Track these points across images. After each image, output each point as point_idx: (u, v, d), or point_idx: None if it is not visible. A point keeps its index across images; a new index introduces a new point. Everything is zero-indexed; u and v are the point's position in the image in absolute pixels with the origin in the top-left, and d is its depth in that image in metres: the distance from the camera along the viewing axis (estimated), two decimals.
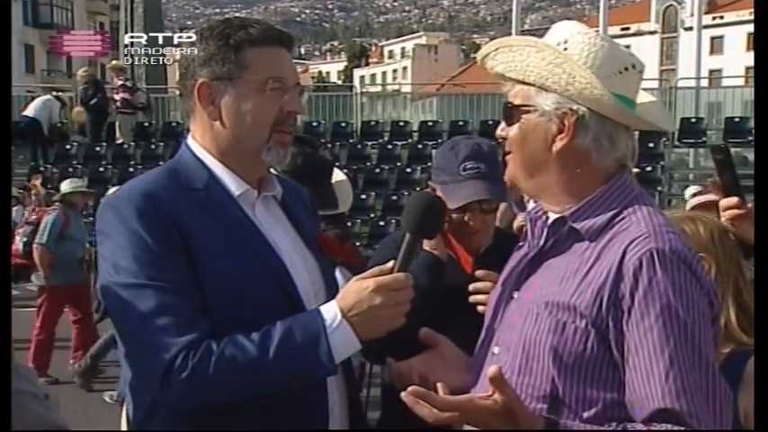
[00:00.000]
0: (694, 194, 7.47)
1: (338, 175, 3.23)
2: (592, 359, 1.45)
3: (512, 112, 1.60)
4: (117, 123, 15.93)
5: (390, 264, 1.65)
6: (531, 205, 2.54)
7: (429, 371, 1.66)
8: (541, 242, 1.62)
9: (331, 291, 1.79)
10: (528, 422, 1.38)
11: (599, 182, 1.56)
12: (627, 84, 1.57)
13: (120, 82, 15.71)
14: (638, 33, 60.64)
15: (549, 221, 1.62)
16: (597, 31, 1.63)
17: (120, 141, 15.87)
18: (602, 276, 1.45)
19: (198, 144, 1.81)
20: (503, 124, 1.64)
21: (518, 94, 1.60)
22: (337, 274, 1.71)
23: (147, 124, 16.59)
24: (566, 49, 1.55)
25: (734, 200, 2.07)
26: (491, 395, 1.38)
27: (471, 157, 2.28)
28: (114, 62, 16.46)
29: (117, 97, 15.63)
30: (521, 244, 1.73)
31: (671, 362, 1.38)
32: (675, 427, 1.37)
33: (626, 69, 1.57)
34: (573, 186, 1.57)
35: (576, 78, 1.51)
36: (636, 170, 8.28)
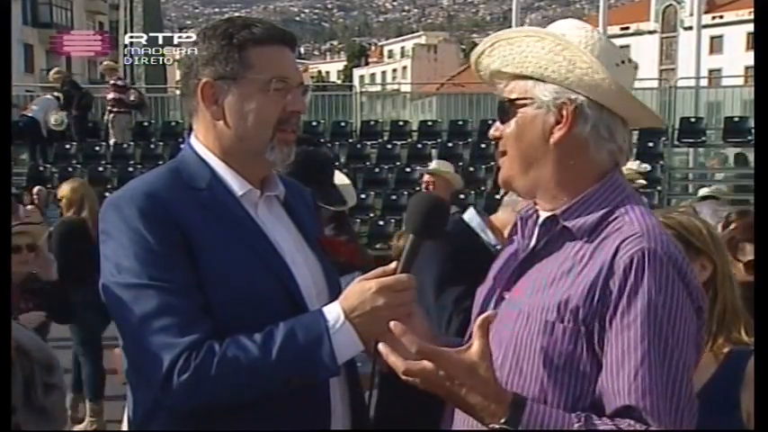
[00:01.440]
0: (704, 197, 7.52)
1: (340, 178, 3.23)
2: (581, 359, 1.46)
3: (507, 108, 1.60)
4: (110, 123, 15.88)
5: (393, 264, 1.64)
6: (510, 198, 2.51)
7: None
8: (533, 242, 1.62)
9: (333, 291, 1.79)
10: (496, 392, 1.41)
11: (592, 178, 1.56)
12: (624, 76, 1.58)
13: (112, 81, 15.66)
14: (638, 33, 60.63)
15: (540, 220, 1.62)
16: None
17: (114, 141, 15.82)
18: (594, 274, 1.46)
19: (201, 144, 1.81)
20: (497, 123, 1.64)
21: (514, 88, 1.60)
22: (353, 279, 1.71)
23: (146, 124, 16.59)
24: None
25: None
26: (468, 347, 1.41)
27: None
28: (106, 62, 16.37)
29: (109, 97, 15.55)
30: (509, 242, 1.73)
31: (641, 360, 1.39)
32: (638, 425, 1.38)
33: (623, 62, 1.58)
34: (567, 181, 1.57)
35: (576, 64, 1.51)
36: (645, 166, 8.28)
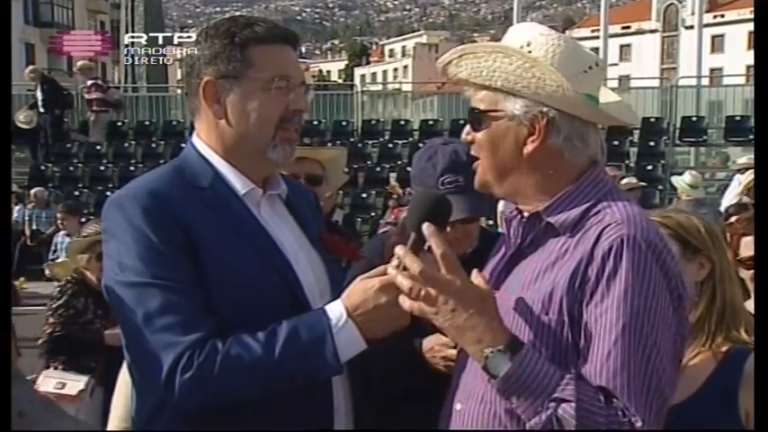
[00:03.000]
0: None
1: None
2: (567, 349, 1.48)
3: (479, 118, 1.61)
4: (91, 122, 15.82)
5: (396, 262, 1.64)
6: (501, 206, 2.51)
7: None
8: (518, 240, 1.64)
9: (336, 289, 1.78)
10: (500, 324, 1.46)
11: (572, 179, 1.58)
12: (591, 82, 1.59)
13: (91, 81, 15.60)
14: (639, 32, 60.59)
15: (524, 218, 1.64)
16: (559, 31, 1.65)
17: (92, 140, 15.78)
18: (575, 262, 1.48)
19: (203, 142, 1.81)
20: (468, 128, 1.65)
21: (484, 99, 1.61)
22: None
23: (147, 123, 16.60)
24: (530, 51, 1.56)
25: None
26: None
27: (450, 170, 2.19)
28: (81, 62, 16.27)
29: (91, 96, 15.47)
30: (499, 243, 1.75)
31: (615, 343, 1.41)
32: (619, 403, 1.39)
33: (590, 68, 1.59)
34: (547, 185, 1.59)
35: (546, 82, 1.52)
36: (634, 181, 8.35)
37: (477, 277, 1.52)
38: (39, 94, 14.96)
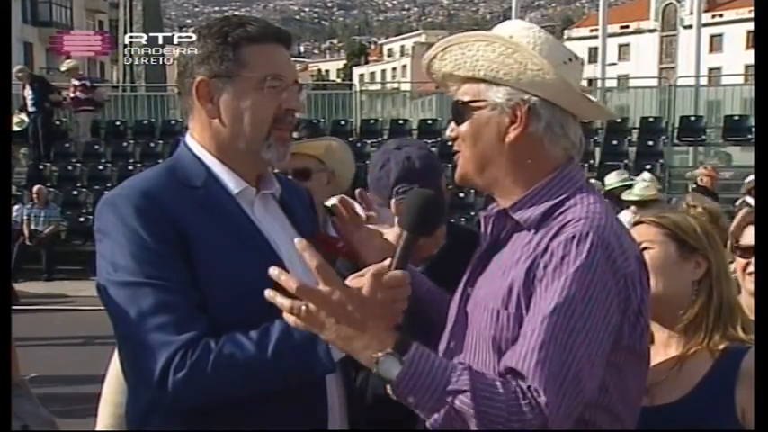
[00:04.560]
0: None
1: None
2: None
3: (462, 110, 1.63)
4: (78, 121, 15.81)
5: (388, 261, 1.64)
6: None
7: None
8: (489, 238, 1.66)
9: None
10: (387, 328, 1.45)
11: (547, 172, 1.59)
12: (572, 74, 1.60)
13: (78, 82, 15.58)
14: (638, 31, 60.66)
15: (492, 216, 1.65)
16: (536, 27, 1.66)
17: (83, 140, 15.76)
18: (533, 257, 1.49)
19: (196, 142, 1.81)
20: (452, 125, 1.66)
21: (467, 91, 1.62)
22: None
23: (146, 122, 16.61)
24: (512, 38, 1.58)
25: None
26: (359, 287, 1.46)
27: (403, 179, 2.14)
28: (67, 61, 16.24)
29: (78, 96, 15.43)
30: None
31: (540, 323, 1.41)
32: (521, 383, 1.38)
33: (570, 60, 1.61)
34: (523, 178, 1.60)
35: (527, 66, 1.54)
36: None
37: (371, 271, 1.50)
38: (29, 93, 14.92)
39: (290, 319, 1.48)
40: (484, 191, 1.69)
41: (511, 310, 1.49)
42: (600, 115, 1.76)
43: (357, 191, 1.49)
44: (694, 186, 8.59)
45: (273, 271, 1.47)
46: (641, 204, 7.42)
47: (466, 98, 1.62)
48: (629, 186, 8.26)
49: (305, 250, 1.47)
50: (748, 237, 2.49)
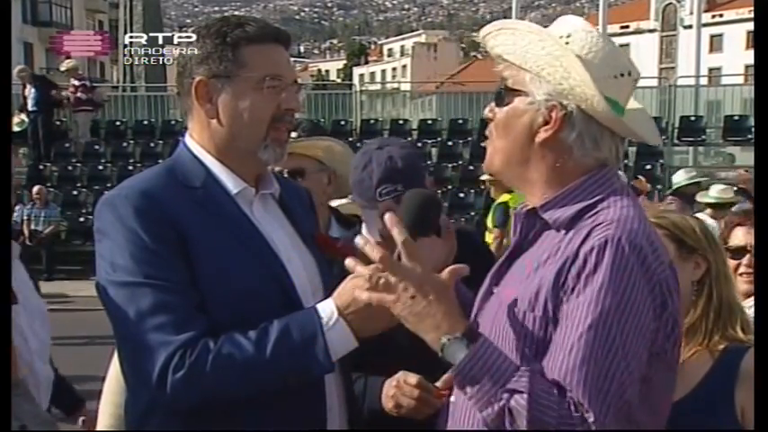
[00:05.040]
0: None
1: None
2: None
3: (503, 95, 1.60)
4: (77, 121, 15.79)
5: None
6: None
7: None
8: (519, 235, 1.64)
9: (328, 288, 1.79)
10: (459, 313, 1.48)
11: (577, 175, 1.57)
12: (620, 89, 1.57)
13: (77, 82, 15.56)
14: (638, 31, 60.63)
15: (525, 214, 1.63)
16: (599, 31, 1.63)
17: (82, 140, 15.76)
18: (563, 260, 1.47)
19: (195, 142, 1.81)
20: (492, 104, 1.64)
21: (515, 76, 1.59)
22: None
23: (146, 122, 16.61)
24: (567, 43, 1.55)
25: None
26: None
27: (386, 179, 2.08)
28: (67, 61, 16.24)
29: (77, 96, 15.41)
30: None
31: (579, 338, 1.40)
32: (572, 397, 1.38)
33: (621, 75, 1.57)
34: (552, 178, 1.57)
35: (571, 74, 1.51)
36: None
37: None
38: (30, 93, 14.92)
39: (364, 294, 1.49)
40: (510, 186, 1.68)
41: (537, 313, 1.48)
42: (642, 136, 1.66)
43: (386, 216, 1.48)
44: (735, 189, 8.25)
45: (360, 240, 1.49)
46: (717, 207, 7.13)
47: (510, 82, 1.59)
48: (698, 184, 8.03)
49: (393, 225, 1.49)
50: (736, 238, 2.50)
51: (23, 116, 15.01)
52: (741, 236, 2.54)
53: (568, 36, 1.56)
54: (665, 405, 1.57)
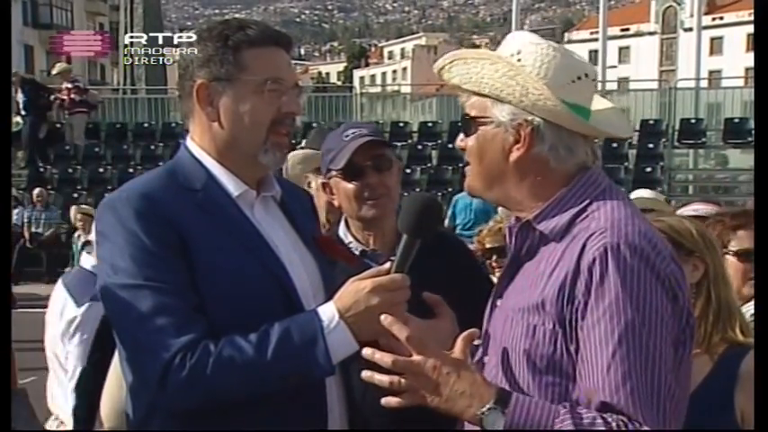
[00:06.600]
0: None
1: None
2: (561, 360, 1.48)
3: (469, 124, 1.62)
4: (70, 124, 15.77)
5: (388, 264, 1.65)
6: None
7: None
8: (514, 249, 1.64)
9: (330, 291, 1.79)
10: (483, 381, 1.46)
11: (562, 184, 1.57)
12: (581, 92, 1.58)
13: (70, 84, 15.55)
14: (638, 34, 60.66)
15: (518, 227, 1.63)
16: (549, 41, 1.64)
17: (77, 143, 15.74)
18: (563, 273, 1.47)
19: (196, 145, 1.81)
20: (461, 135, 1.66)
21: (474, 105, 1.61)
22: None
23: (146, 125, 16.61)
24: (519, 60, 1.57)
25: None
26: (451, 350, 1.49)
27: (353, 126, 2.33)
28: (59, 64, 16.22)
29: (70, 98, 15.42)
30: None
31: (613, 355, 1.40)
32: (620, 417, 1.38)
33: (578, 78, 1.58)
34: (536, 191, 1.58)
35: (529, 90, 1.52)
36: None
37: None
38: (20, 97, 14.90)
39: (393, 399, 1.48)
40: (497, 204, 1.68)
41: (547, 326, 1.48)
42: (612, 132, 1.69)
43: (382, 317, 1.53)
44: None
45: (367, 351, 1.51)
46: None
47: (473, 112, 1.61)
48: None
49: (392, 325, 1.51)
50: (744, 241, 2.50)
51: (18, 119, 15.01)
52: (748, 239, 2.53)
53: (518, 53, 1.57)
54: (686, 395, 1.56)
